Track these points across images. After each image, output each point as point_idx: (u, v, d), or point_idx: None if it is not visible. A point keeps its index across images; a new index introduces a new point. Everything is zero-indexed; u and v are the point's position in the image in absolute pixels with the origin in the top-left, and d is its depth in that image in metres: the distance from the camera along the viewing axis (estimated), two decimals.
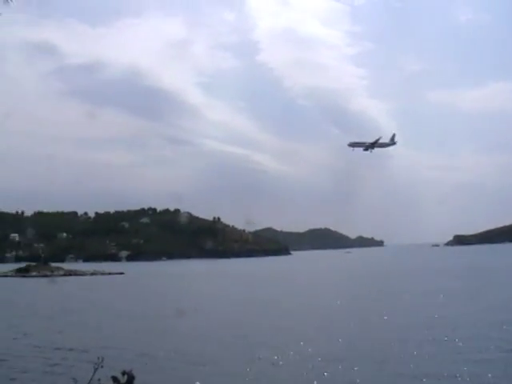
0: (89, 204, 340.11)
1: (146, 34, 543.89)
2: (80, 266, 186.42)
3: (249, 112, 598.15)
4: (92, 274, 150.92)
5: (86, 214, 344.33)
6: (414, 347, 34.03)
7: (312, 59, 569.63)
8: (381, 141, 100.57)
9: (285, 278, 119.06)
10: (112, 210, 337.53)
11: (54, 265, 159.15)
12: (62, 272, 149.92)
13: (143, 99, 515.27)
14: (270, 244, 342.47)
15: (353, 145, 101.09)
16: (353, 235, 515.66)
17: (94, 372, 6.83)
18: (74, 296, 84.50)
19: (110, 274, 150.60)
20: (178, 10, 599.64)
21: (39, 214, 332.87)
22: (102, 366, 6.78)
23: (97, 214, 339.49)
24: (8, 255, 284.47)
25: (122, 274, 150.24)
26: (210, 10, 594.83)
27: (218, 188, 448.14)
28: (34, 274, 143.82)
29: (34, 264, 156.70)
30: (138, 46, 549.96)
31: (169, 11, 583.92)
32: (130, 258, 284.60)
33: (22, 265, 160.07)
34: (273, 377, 29.01)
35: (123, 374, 6.31)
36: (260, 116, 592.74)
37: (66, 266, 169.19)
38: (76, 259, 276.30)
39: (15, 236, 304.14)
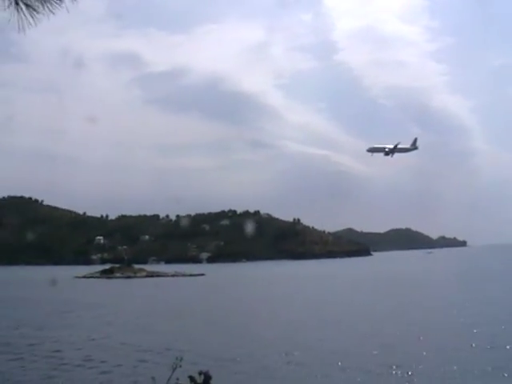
0: (170, 207, 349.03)
1: (225, 39, 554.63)
2: (162, 267, 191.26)
3: (329, 113, 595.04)
4: (173, 275, 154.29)
5: (167, 216, 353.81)
6: None
7: (391, 57, 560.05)
8: (401, 146, 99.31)
9: (369, 279, 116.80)
10: (193, 213, 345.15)
11: (136, 266, 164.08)
12: (144, 273, 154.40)
13: (224, 104, 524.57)
14: (350, 245, 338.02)
15: (372, 150, 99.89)
16: (434, 235, 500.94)
17: (173, 371, 6.83)
18: (156, 297, 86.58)
19: (190, 275, 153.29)
20: (255, 13, 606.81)
21: (123, 218, 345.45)
22: (180, 366, 6.76)
23: (178, 216, 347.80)
24: (94, 257, 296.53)
25: (202, 275, 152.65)
26: (287, 11, 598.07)
27: (298, 189, 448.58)
28: (118, 275, 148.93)
29: (117, 266, 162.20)
30: (217, 51, 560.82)
31: (247, 15, 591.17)
32: (210, 260, 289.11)
33: (107, 266, 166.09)
34: None
35: (200, 373, 6.27)
36: (340, 116, 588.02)
37: (149, 267, 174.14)
38: (158, 261, 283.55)
39: (100, 239, 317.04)
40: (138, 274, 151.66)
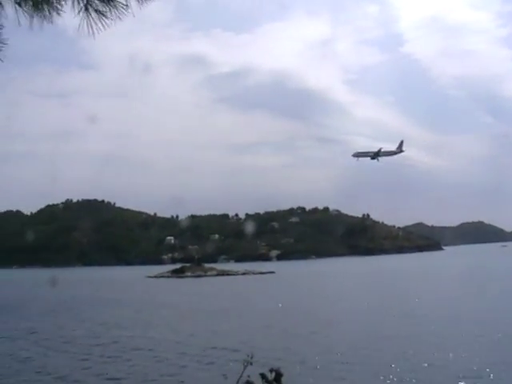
0: (239, 206, 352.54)
1: (290, 37, 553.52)
2: (232, 266, 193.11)
3: (397, 106, 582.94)
4: (243, 273, 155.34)
5: (236, 215, 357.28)
6: None
7: (460, 46, 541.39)
8: (385, 149, 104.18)
9: (443, 274, 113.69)
10: (262, 211, 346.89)
11: (207, 265, 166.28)
12: (214, 272, 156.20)
13: (290, 101, 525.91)
14: (420, 240, 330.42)
15: (357, 155, 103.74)
16: (509, 228, 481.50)
17: (244, 369, 6.63)
18: (227, 295, 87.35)
19: (260, 273, 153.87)
20: (321, 8, 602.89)
21: (192, 218, 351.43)
22: (251, 364, 6.53)
23: (247, 214, 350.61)
24: (165, 257, 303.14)
25: (272, 273, 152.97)
26: (352, 5, 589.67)
27: (367, 184, 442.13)
28: (189, 274, 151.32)
29: (188, 265, 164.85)
30: (283, 48, 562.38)
31: (312, 11, 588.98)
32: (280, 258, 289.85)
33: (178, 266, 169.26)
34: None
35: (271, 371, 6.01)
36: (409, 109, 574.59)
37: (219, 266, 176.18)
38: (228, 260, 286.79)
39: (171, 239, 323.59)
40: (209, 273, 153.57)
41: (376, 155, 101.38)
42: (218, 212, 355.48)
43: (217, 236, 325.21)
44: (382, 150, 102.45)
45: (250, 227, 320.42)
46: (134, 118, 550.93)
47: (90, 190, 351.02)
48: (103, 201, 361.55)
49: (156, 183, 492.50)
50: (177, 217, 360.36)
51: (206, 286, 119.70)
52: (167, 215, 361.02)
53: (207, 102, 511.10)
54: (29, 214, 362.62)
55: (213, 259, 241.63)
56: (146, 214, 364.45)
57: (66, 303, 79.37)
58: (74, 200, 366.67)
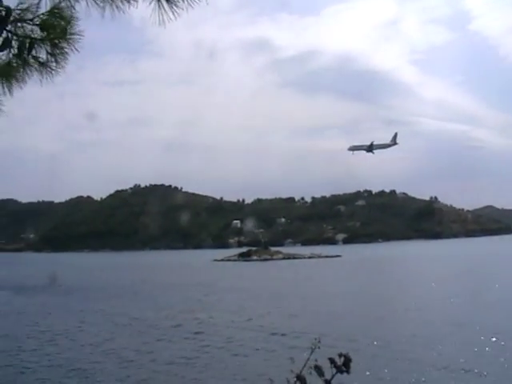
0: (305, 189, 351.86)
1: (355, 18, 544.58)
2: (298, 249, 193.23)
3: (466, 86, 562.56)
4: (310, 257, 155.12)
5: (302, 198, 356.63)
6: None
7: None
8: (378, 143, 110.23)
9: None
10: (328, 194, 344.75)
11: (273, 249, 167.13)
12: (281, 256, 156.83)
13: (356, 83, 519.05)
14: (490, 223, 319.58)
15: (352, 149, 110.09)
16: None
17: (311, 353, 6.40)
18: (293, 279, 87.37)
19: (327, 256, 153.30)
20: None
21: (258, 201, 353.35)
22: (318, 347, 6.31)
23: (313, 198, 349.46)
24: (231, 241, 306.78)
25: (338, 256, 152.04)
26: None
27: (435, 167, 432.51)
28: (255, 258, 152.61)
29: (254, 249, 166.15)
30: (348, 30, 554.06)
31: None
32: (346, 241, 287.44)
33: (244, 250, 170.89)
34: None
35: (340, 356, 5.82)
36: (478, 89, 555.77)
37: (285, 250, 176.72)
38: (294, 243, 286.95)
39: (237, 223, 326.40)
40: (275, 257, 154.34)
41: (370, 148, 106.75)
42: (284, 195, 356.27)
43: (283, 219, 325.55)
44: (375, 143, 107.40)
45: (316, 210, 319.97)
46: (200, 104, 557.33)
47: (158, 176, 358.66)
48: (170, 186, 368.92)
49: (222, 168, 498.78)
50: (243, 201, 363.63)
51: (272, 269, 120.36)
52: (233, 199, 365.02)
53: (272, 86, 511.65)
54: (99, 199, 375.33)
55: (279, 243, 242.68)
56: (213, 198, 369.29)
57: (135, 287, 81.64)
58: (142, 185, 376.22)
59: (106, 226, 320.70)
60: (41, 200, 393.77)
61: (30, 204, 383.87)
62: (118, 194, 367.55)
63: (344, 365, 5.95)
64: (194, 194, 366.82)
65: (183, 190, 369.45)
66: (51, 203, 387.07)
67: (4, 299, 65.98)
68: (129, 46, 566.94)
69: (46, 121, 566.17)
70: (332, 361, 6.12)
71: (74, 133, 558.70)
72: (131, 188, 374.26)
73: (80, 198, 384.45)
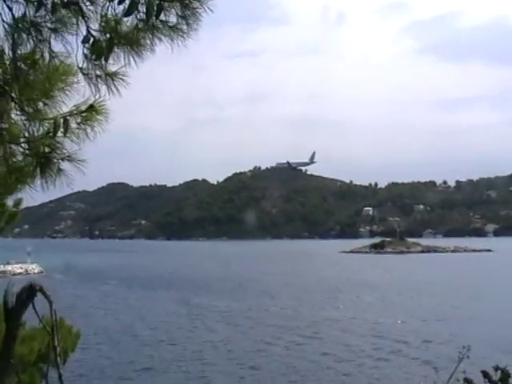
0: (448, 172, 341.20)
1: None
2: (439, 241, 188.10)
3: None
4: (453, 251, 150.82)
5: (445, 182, 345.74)
6: None
7: None
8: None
9: None
10: (476, 178, 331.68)
11: (410, 240, 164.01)
12: (419, 248, 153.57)
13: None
14: None
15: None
16: None
17: (458, 363, 6.38)
18: (435, 276, 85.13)
19: (474, 251, 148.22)
20: None
21: (394, 186, 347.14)
22: (467, 357, 6.28)
23: (458, 182, 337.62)
24: (362, 230, 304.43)
25: (489, 251, 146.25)
26: None
27: None
28: (389, 250, 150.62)
29: (388, 239, 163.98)
30: None
31: None
32: (498, 233, 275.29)
33: (377, 240, 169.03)
34: None
35: (496, 369, 5.68)
36: None
37: (424, 241, 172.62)
38: (435, 234, 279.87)
39: (369, 210, 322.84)
40: (412, 249, 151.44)
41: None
42: (423, 179, 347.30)
43: (421, 207, 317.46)
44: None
45: (461, 196, 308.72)
46: (328, 75, 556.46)
47: (280, 157, 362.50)
48: (294, 168, 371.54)
49: (352, 147, 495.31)
50: (375, 185, 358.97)
51: (409, 263, 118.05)
52: (365, 183, 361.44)
53: (409, 52, 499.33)
54: (215, 182, 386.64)
55: (417, 233, 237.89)
56: (341, 181, 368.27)
57: (254, 279, 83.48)
58: (263, 167, 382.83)
59: (222, 211, 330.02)
60: (153, 184, 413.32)
61: (142, 188, 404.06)
62: (237, 176, 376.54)
63: (501, 380, 5.74)
64: (320, 176, 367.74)
65: (308, 172, 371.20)
66: (164, 187, 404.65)
67: (136, 295, 69.64)
68: (248, 14, 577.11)
69: (160, 98, 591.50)
70: (486, 374, 5.95)
71: (190, 110, 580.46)
72: (251, 170, 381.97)
73: (195, 181, 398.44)
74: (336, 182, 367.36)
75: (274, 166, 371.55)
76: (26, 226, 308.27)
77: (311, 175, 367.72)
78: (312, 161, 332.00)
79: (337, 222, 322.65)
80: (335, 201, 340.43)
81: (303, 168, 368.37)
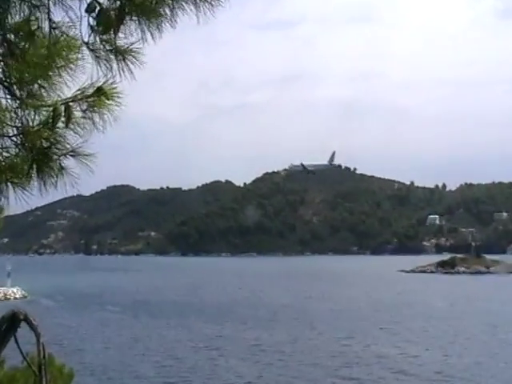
0: None
1: None
2: None
3: None
4: None
5: None
6: None
7: None
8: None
9: None
10: None
11: (489, 257, 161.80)
12: (502, 268, 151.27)
13: None
14: None
15: None
16: None
17: None
18: None
19: None
20: None
21: (467, 188, 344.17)
22: None
23: None
24: (426, 244, 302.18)
25: None
26: None
27: None
28: (462, 269, 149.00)
29: (461, 256, 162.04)
30: None
31: None
32: None
33: (446, 257, 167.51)
34: None
35: None
36: None
37: (508, 259, 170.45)
38: None
39: (435, 218, 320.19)
40: (493, 269, 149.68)
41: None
42: (505, 179, 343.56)
43: (504, 214, 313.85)
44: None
45: None
46: (382, 49, 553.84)
47: (321, 153, 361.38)
48: (340, 166, 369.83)
49: (412, 140, 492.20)
50: (443, 187, 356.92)
51: (489, 288, 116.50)
52: (429, 184, 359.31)
53: (489, 15, 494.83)
54: (242, 184, 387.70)
55: (499, 248, 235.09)
56: (400, 182, 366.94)
57: (290, 305, 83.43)
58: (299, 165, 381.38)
59: (250, 219, 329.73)
60: (164, 187, 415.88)
61: (151, 192, 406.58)
62: (268, 177, 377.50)
63: None
64: (372, 176, 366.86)
65: (357, 171, 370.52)
66: (178, 191, 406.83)
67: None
68: None
69: (173, 81, 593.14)
70: None
71: (209, 96, 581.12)
72: (285, 169, 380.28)
73: (217, 183, 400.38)
74: (393, 183, 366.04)
75: (314, 163, 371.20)
76: (6, 240, 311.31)
77: (362, 175, 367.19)
78: (331, 163, 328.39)
79: (394, 233, 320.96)
80: (392, 207, 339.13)
81: (351, 167, 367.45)
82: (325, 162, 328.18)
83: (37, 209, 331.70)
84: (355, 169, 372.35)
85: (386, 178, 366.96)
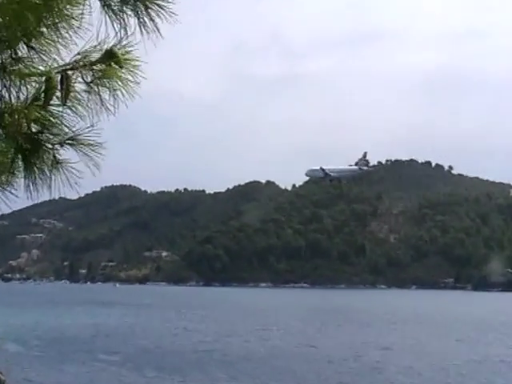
0: None
1: None
2: None
3: None
4: None
5: None
6: None
7: None
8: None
9: None
10: None
11: None
12: None
13: None
14: None
15: None
16: None
17: None
18: None
19: None
20: None
21: None
22: None
23: None
24: None
25: None
26: None
27: None
28: None
29: None
30: None
31: None
32: None
33: None
34: None
35: None
36: None
37: None
38: None
39: None
40: None
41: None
42: None
43: None
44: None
45: None
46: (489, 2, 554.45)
47: (394, 145, 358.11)
48: (428, 163, 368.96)
49: None
50: None
51: None
52: None
53: None
54: (289, 187, 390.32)
55: None
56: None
57: (356, 357, 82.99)
58: (371, 161, 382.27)
59: (303, 237, 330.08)
60: (181, 189, 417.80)
61: (162, 195, 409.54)
62: (325, 178, 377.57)
63: None
64: (475, 178, 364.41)
65: (453, 171, 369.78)
66: (200, 194, 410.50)
67: None
68: None
69: (199, 40, 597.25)
70: None
71: (246, 63, 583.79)
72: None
73: (254, 183, 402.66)
74: (505, 186, 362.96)
75: (387, 159, 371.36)
76: None
77: (460, 176, 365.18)
78: (361, 167, 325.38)
79: (508, 259, 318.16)
80: (505, 222, 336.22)
81: (445, 164, 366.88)
82: (351, 163, 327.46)
83: (2, 217, 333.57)
84: (450, 167, 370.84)
85: (496, 181, 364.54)
